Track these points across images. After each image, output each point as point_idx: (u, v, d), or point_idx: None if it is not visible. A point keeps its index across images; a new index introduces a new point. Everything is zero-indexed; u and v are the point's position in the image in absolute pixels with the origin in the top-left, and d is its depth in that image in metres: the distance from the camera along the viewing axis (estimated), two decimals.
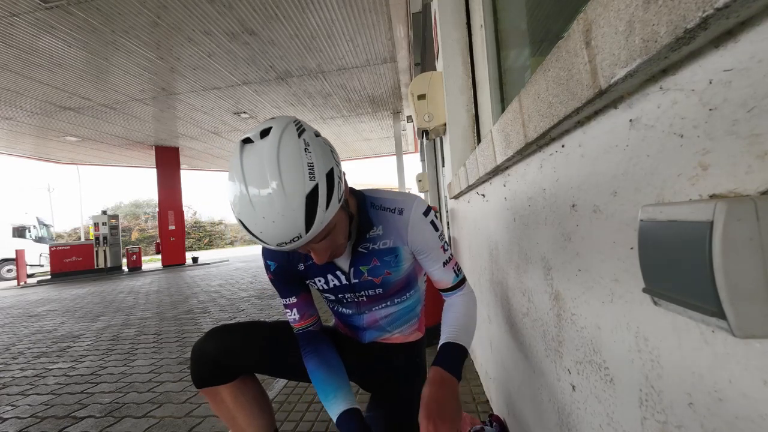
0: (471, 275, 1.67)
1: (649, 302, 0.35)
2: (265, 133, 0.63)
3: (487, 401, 1.50)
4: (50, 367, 2.50)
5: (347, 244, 0.81)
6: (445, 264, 0.87)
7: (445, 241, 0.89)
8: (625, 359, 0.41)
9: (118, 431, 1.56)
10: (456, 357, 0.80)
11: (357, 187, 0.89)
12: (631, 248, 0.38)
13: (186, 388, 1.96)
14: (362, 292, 0.91)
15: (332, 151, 0.69)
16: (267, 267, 0.91)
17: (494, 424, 1.15)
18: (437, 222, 0.88)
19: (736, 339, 0.26)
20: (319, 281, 0.91)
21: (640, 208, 0.31)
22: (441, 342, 0.84)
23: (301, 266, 0.89)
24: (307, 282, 0.93)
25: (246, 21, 4.79)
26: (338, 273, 0.88)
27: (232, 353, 0.91)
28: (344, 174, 0.74)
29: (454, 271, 0.89)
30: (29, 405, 1.90)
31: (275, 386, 1.84)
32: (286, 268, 0.90)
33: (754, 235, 0.21)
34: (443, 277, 0.89)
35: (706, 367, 0.29)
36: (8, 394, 2.06)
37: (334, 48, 5.74)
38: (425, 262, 0.89)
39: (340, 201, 0.67)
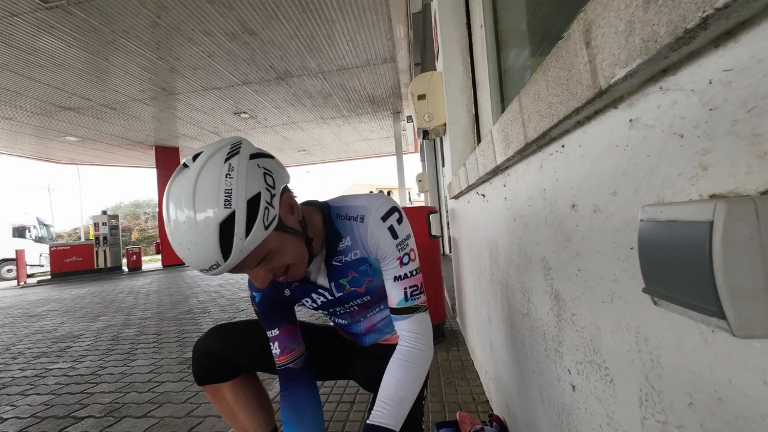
0: (471, 275, 1.67)
1: (649, 302, 0.34)
2: (196, 157, 0.62)
3: (487, 401, 1.50)
4: (50, 367, 2.50)
5: (309, 261, 0.76)
6: (396, 279, 0.78)
7: (408, 254, 0.79)
8: (625, 359, 0.41)
9: (118, 431, 1.56)
10: None
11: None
12: (631, 248, 0.38)
13: (186, 388, 1.96)
14: (351, 303, 0.89)
15: (267, 174, 0.64)
16: (252, 298, 0.88)
17: (494, 424, 1.15)
18: (399, 228, 0.78)
19: (736, 339, 0.26)
20: (308, 302, 0.90)
21: (640, 208, 0.31)
22: (366, 419, 0.74)
23: (287, 291, 0.88)
24: (297, 305, 0.91)
25: (246, 21, 4.79)
26: (321, 291, 0.86)
27: (233, 349, 0.91)
28: (288, 196, 0.70)
29: (405, 292, 0.77)
30: (29, 405, 1.90)
31: (275, 385, 1.84)
32: (272, 298, 0.87)
33: (754, 235, 0.21)
34: (391, 294, 0.79)
35: (706, 367, 0.29)
36: (8, 394, 2.06)
37: (334, 48, 5.74)
38: (383, 273, 0.80)
39: (267, 227, 0.62)
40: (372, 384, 1.03)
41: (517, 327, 0.89)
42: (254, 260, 0.64)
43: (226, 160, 0.61)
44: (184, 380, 2.07)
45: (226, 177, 0.59)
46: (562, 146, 0.53)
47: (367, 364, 0.99)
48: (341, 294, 0.86)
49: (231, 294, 5.13)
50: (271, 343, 0.88)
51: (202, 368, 0.93)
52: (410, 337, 0.78)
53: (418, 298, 0.79)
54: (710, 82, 0.27)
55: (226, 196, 0.58)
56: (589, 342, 0.50)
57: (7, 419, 1.75)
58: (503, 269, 0.99)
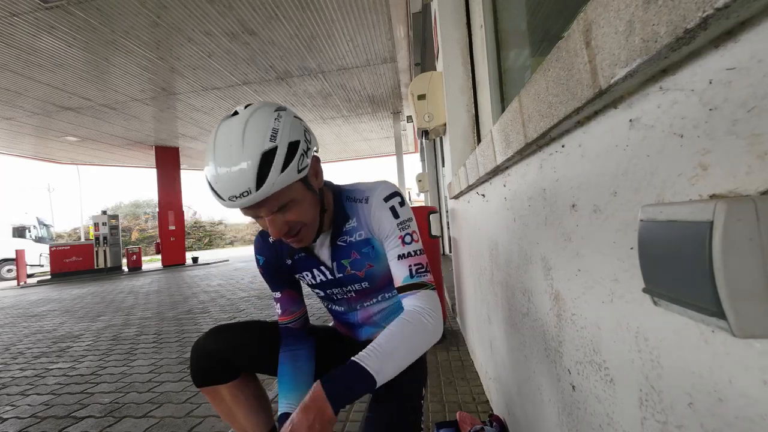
0: (471, 275, 1.67)
1: (649, 302, 0.34)
2: (247, 106, 0.70)
3: (487, 401, 1.50)
4: (50, 367, 2.50)
5: (318, 233, 0.80)
6: (400, 258, 0.78)
7: (410, 234, 0.80)
8: (625, 359, 0.41)
9: (118, 431, 1.56)
10: (349, 383, 0.65)
11: None
12: (631, 248, 0.38)
13: (186, 388, 1.96)
14: (349, 287, 0.91)
15: (307, 131, 0.72)
16: (257, 261, 0.94)
17: (494, 424, 1.15)
18: (400, 210, 0.81)
19: (736, 339, 0.26)
20: (307, 275, 0.92)
21: (640, 208, 0.31)
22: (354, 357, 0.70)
23: (289, 261, 0.92)
24: (297, 276, 0.94)
25: (246, 21, 4.79)
26: (322, 268, 0.89)
27: (233, 350, 0.91)
28: (317, 161, 0.77)
29: (410, 269, 0.77)
30: (29, 405, 1.90)
31: (275, 386, 1.84)
32: (274, 263, 0.92)
33: (754, 235, 0.21)
34: (396, 273, 0.79)
35: (706, 367, 0.29)
36: (8, 394, 2.06)
37: (334, 48, 5.74)
38: (387, 254, 0.81)
39: (299, 172, 0.68)
40: None
41: (517, 327, 0.89)
42: (276, 203, 0.69)
43: (276, 110, 0.69)
44: (184, 380, 2.07)
45: (275, 120, 0.67)
46: (562, 146, 0.53)
47: None
48: (341, 275, 0.88)
49: (231, 294, 5.13)
50: (274, 303, 0.94)
51: (201, 369, 0.93)
52: (418, 309, 0.75)
53: (424, 276, 0.78)
54: (710, 82, 0.27)
55: (272, 134, 0.65)
56: (589, 342, 0.50)
57: (7, 419, 1.75)
58: (503, 269, 0.99)
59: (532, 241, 0.71)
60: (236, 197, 0.64)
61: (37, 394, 2.04)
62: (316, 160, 0.77)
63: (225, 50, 5.53)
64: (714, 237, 0.22)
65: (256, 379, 1.02)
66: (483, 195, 1.18)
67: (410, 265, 0.78)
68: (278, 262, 0.92)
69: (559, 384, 0.63)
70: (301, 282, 0.96)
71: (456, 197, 1.80)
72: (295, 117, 0.72)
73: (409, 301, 0.77)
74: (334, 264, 0.88)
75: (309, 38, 5.36)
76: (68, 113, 7.61)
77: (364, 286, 0.90)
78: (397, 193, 0.83)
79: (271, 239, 0.91)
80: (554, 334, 0.63)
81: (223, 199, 0.66)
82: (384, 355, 0.68)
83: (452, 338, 2.35)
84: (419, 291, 0.77)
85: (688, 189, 0.29)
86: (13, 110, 7.23)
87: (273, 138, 0.65)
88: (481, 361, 1.65)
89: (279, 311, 0.93)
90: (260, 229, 0.86)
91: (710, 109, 0.27)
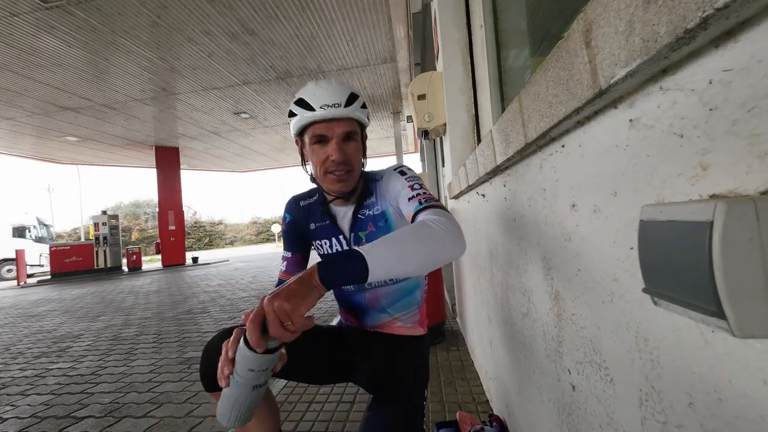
0: (471, 275, 1.67)
1: (649, 302, 0.35)
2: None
3: (487, 401, 1.50)
4: (50, 367, 2.50)
5: (354, 191, 0.93)
6: (410, 199, 0.84)
7: (419, 184, 0.87)
8: (625, 359, 0.41)
9: (118, 431, 1.56)
10: (342, 261, 0.62)
11: None
12: (631, 248, 0.38)
13: (186, 388, 1.96)
14: None
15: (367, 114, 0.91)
16: (284, 219, 1.05)
17: (494, 424, 1.15)
18: (408, 171, 0.93)
19: (736, 339, 0.26)
20: (325, 244, 0.99)
21: (640, 208, 0.31)
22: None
23: (312, 225, 1.01)
24: (314, 244, 1.02)
25: (246, 21, 4.79)
26: (341, 237, 0.97)
27: None
28: (366, 137, 0.95)
29: (419, 200, 0.82)
30: (29, 405, 1.90)
31: (275, 386, 1.84)
32: (299, 224, 1.02)
33: (754, 235, 0.21)
34: (407, 209, 0.85)
35: (706, 367, 0.29)
36: (8, 394, 2.06)
37: (334, 48, 5.74)
38: (400, 205, 0.88)
39: (365, 121, 0.90)
40: (373, 385, 1.03)
41: (517, 327, 0.89)
42: (348, 127, 0.85)
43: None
44: (184, 380, 2.07)
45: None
46: (562, 146, 0.53)
47: (369, 364, 0.99)
48: (356, 247, 0.90)
49: (231, 294, 5.13)
50: (282, 260, 1.04)
51: (213, 376, 0.92)
52: (426, 220, 0.73)
53: (433, 203, 0.80)
54: (710, 82, 0.27)
55: (357, 92, 0.88)
56: (589, 342, 0.50)
57: (7, 419, 1.75)
58: (503, 269, 0.99)
59: (532, 241, 0.71)
60: (328, 106, 0.81)
61: (37, 394, 2.04)
62: (366, 137, 0.95)
63: (225, 50, 5.52)
64: (714, 237, 0.22)
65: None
66: (483, 195, 1.18)
67: (419, 199, 0.82)
68: (302, 225, 1.02)
69: (559, 384, 0.63)
70: (317, 252, 1.03)
71: (456, 197, 1.80)
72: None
73: (422, 217, 0.77)
74: (352, 235, 0.95)
75: (309, 38, 5.36)
76: (68, 113, 7.61)
77: None
78: (405, 166, 0.95)
79: (301, 203, 1.03)
80: (554, 334, 0.63)
81: (313, 109, 0.82)
82: (377, 244, 0.65)
83: (452, 338, 2.35)
84: (429, 210, 0.78)
85: (688, 189, 0.29)
86: (13, 110, 7.23)
87: (359, 94, 0.88)
88: (481, 361, 1.65)
89: (283, 268, 1.02)
90: (293, 195, 1.06)
91: (710, 109, 0.27)
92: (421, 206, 0.80)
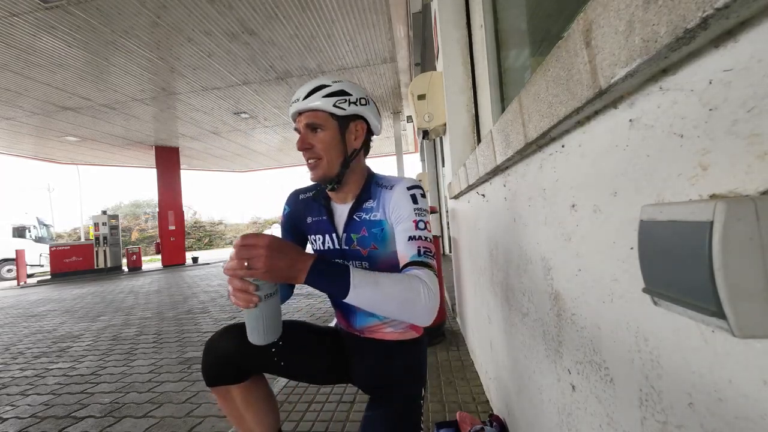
0: (471, 275, 1.67)
1: (649, 302, 0.34)
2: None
3: (487, 401, 1.50)
4: (50, 367, 2.50)
5: (334, 181, 0.92)
6: (411, 239, 0.83)
7: (424, 222, 0.85)
8: (625, 359, 0.41)
9: (118, 431, 1.56)
10: (332, 275, 0.71)
11: None
12: (631, 248, 0.38)
13: (186, 388, 1.96)
14: (351, 262, 0.94)
15: (366, 103, 0.91)
16: (283, 210, 1.07)
17: (494, 424, 1.15)
18: (420, 200, 0.88)
19: (736, 339, 0.26)
20: (318, 239, 1.00)
21: (640, 208, 0.31)
22: None
23: (309, 219, 1.02)
24: (309, 237, 1.03)
25: (246, 21, 4.79)
26: (333, 236, 0.97)
27: (247, 356, 0.90)
28: (363, 130, 0.92)
29: (419, 249, 0.81)
30: (29, 405, 1.90)
31: (275, 386, 1.84)
32: (296, 217, 1.04)
33: (754, 235, 0.21)
34: (403, 252, 0.83)
35: (706, 367, 0.29)
36: (8, 394, 2.06)
37: (334, 48, 5.74)
38: (397, 236, 0.87)
39: (334, 106, 0.86)
40: (368, 387, 1.03)
41: (517, 327, 0.89)
42: (306, 119, 0.88)
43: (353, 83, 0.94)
44: (184, 380, 2.07)
45: (345, 81, 0.91)
46: (562, 146, 0.53)
47: (363, 368, 0.99)
48: (347, 248, 0.94)
49: None
50: None
51: (214, 371, 0.92)
52: (420, 278, 0.77)
53: (431, 259, 0.81)
54: (710, 82, 0.27)
55: (334, 80, 0.89)
56: (589, 342, 0.50)
57: (7, 419, 1.75)
58: (503, 269, 0.99)
59: (532, 241, 0.71)
60: (294, 102, 0.88)
61: (37, 394, 2.04)
62: (362, 128, 0.92)
63: (225, 50, 5.52)
64: (714, 237, 0.22)
65: (265, 380, 1.02)
66: (483, 195, 1.18)
67: (419, 246, 0.82)
68: (300, 218, 1.03)
69: (559, 384, 0.63)
70: (310, 246, 1.03)
71: (456, 197, 1.80)
72: (369, 97, 0.93)
73: (412, 271, 0.79)
74: (344, 235, 0.95)
75: (309, 38, 5.36)
76: (68, 113, 7.61)
77: (364, 265, 0.92)
78: (420, 187, 0.91)
79: (301, 197, 1.06)
80: (554, 334, 0.63)
81: (291, 103, 0.89)
82: (369, 281, 0.72)
83: (452, 338, 2.35)
84: (424, 269, 0.79)
85: (688, 189, 0.29)
86: (13, 110, 7.22)
87: (335, 83, 0.88)
88: (481, 361, 1.65)
89: None
90: (295, 188, 1.09)
91: (710, 109, 0.27)
92: (419, 258, 0.80)
